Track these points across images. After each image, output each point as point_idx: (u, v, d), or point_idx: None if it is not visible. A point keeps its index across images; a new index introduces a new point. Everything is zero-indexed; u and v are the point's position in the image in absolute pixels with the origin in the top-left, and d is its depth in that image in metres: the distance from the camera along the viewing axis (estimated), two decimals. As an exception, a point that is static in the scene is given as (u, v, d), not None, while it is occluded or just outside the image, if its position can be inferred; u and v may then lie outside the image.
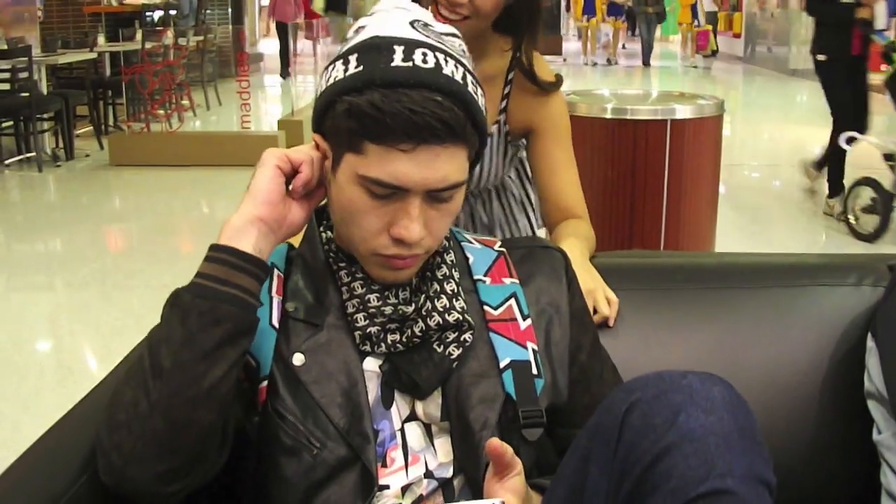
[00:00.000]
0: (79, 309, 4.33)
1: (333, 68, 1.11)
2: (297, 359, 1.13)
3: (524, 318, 1.22)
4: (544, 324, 1.23)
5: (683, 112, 3.04)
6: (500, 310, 1.22)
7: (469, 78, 1.10)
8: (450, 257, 1.22)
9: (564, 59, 18.62)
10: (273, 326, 1.15)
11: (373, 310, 1.14)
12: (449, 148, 1.06)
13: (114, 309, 4.37)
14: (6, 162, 7.72)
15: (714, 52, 18.60)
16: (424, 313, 1.14)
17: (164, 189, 7.10)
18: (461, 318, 1.15)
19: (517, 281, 1.25)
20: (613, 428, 0.98)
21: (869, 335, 1.37)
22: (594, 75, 16.24)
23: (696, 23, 17.96)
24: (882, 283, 1.50)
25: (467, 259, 1.26)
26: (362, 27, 1.14)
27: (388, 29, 1.10)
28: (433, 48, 1.08)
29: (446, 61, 1.08)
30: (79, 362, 3.83)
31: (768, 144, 9.45)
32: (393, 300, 1.15)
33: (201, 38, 11.84)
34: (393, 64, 1.05)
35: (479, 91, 1.12)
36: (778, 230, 5.79)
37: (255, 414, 1.13)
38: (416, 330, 1.14)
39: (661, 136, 2.99)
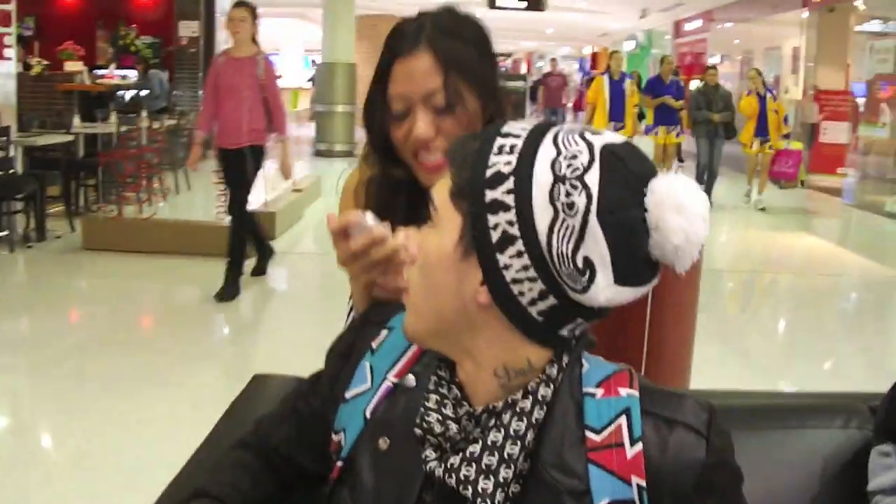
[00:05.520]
0: (40, 390, 4.37)
1: None
2: (383, 442, 1.08)
3: (633, 443, 0.99)
4: None
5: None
6: (605, 433, 1.00)
7: None
8: (541, 412, 1.01)
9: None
10: (366, 417, 1.11)
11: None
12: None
13: (76, 391, 4.39)
14: (-24, 241, 7.74)
15: (802, 183, 11.76)
16: (469, 455, 1.01)
17: (136, 275, 7.18)
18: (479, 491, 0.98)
19: (636, 393, 1.03)
20: None
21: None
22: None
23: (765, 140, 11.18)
24: (867, 427, 1.56)
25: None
26: None
27: None
28: None
29: None
30: (39, 442, 3.87)
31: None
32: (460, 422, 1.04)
33: (174, 122, 11.95)
34: None
35: None
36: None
37: (327, 485, 1.14)
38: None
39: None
